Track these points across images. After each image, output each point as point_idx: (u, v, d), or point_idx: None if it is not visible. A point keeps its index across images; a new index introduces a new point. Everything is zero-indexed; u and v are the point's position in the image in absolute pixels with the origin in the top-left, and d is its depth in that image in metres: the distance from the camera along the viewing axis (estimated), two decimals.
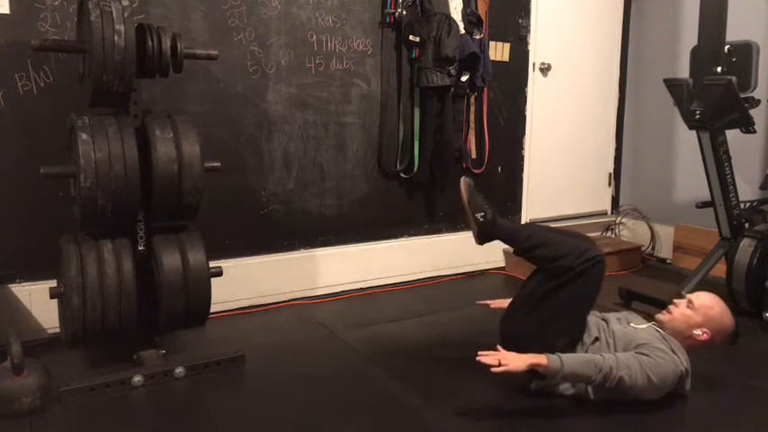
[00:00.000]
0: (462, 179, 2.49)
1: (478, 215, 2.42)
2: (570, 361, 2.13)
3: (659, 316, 2.41)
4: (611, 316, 2.47)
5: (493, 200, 4.15)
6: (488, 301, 2.72)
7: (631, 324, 2.38)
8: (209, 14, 3.08)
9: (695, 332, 2.32)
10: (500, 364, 2.11)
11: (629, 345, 2.25)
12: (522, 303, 2.40)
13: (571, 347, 2.28)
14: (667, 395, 2.25)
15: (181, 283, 2.42)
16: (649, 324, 2.39)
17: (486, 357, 2.14)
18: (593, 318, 2.41)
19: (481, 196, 2.46)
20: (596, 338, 2.31)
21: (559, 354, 2.15)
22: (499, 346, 2.21)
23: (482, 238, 2.46)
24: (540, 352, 2.15)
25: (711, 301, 2.37)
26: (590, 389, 2.26)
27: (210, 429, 2.15)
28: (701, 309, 2.34)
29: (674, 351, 2.24)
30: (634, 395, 2.19)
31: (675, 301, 2.41)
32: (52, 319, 2.67)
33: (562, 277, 2.27)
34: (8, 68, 2.67)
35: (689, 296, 2.39)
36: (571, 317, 2.32)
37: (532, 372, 2.17)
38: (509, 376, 2.27)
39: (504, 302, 2.59)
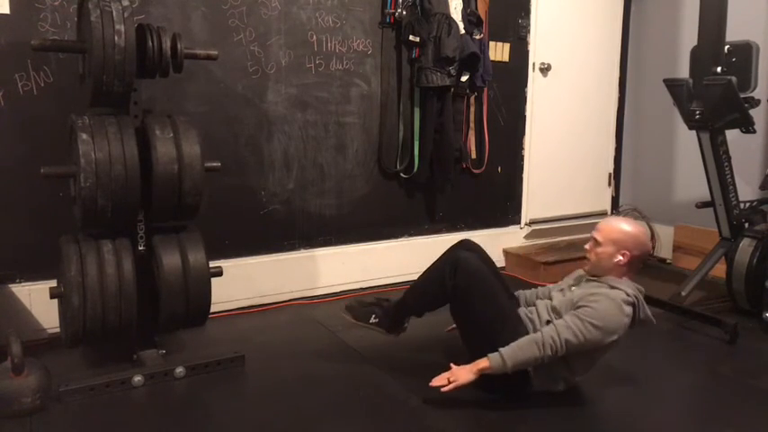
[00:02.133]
0: (343, 311, 2.61)
1: (372, 322, 2.54)
2: (510, 351, 2.14)
3: (581, 270, 2.43)
4: (554, 289, 2.49)
5: (493, 200, 4.19)
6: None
7: (573, 288, 2.40)
8: (209, 14, 3.08)
9: (616, 260, 2.29)
10: (450, 382, 2.15)
11: (569, 309, 2.26)
12: (463, 338, 2.44)
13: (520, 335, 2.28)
14: (664, 394, 2.25)
15: (181, 283, 2.42)
16: (581, 275, 2.42)
17: (436, 381, 2.18)
18: (523, 309, 2.41)
19: (360, 302, 2.60)
20: (534, 327, 2.31)
21: (499, 349, 2.15)
22: (452, 364, 2.23)
23: (394, 331, 2.55)
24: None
25: (609, 225, 2.35)
26: (569, 372, 2.27)
27: (210, 429, 2.15)
28: (606, 239, 2.31)
29: (612, 287, 2.23)
30: (593, 348, 2.19)
31: (585, 246, 2.40)
32: (52, 319, 2.67)
33: (453, 300, 2.34)
34: (8, 68, 2.68)
35: (592, 234, 2.37)
36: (492, 318, 2.30)
37: (485, 376, 2.17)
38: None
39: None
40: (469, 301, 2.31)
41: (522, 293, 2.60)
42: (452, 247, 2.57)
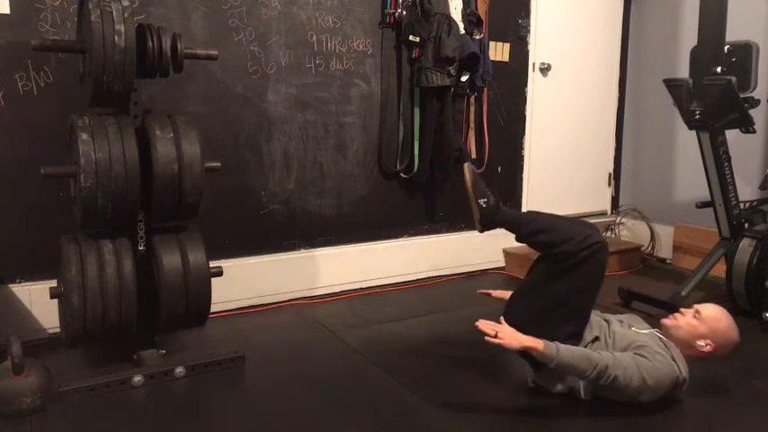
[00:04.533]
0: (466, 165, 2.48)
1: (481, 201, 2.43)
2: (566, 352, 2.13)
3: (665, 321, 2.39)
4: (614, 318, 2.45)
5: None
6: (490, 291, 2.72)
7: (633, 328, 2.37)
8: (209, 14, 3.08)
9: (698, 343, 2.29)
10: (496, 336, 2.13)
11: (628, 346, 2.24)
12: (525, 292, 2.40)
13: (571, 340, 2.27)
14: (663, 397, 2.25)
15: (181, 283, 2.42)
16: (652, 330, 2.37)
17: (485, 326, 2.15)
18: (595, 317, 2.39)
19: (484, 183, 2.47)
20: (596, 337, 2.31)
21: (557, 343, 2.15)
22: (502, 319, 2.21)
23: (484, 225, 2.47)
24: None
25: (719, 314, 2.34)
26: (581, 388, 2.27)
27: (210, 429, 2.15)
28: (708, 320, 2.31)
29: (673, 358, 2.22)
30: (628, 396, 2.18)
31: (682, 309, 2.38)
32: (52, 319, 2.67)
33: (564, 263, 2.24)
34: (8, 68, 2.68)
35: (696, 306, 2.36)
36: (573, 305, 2.29)
37: (525, 355, 2.16)
38: (511, 375, 2.27)
39: (506, 293, 2.59)
40: (576, 277, 2.25)
41: None
42: (596, 228, 2.44)
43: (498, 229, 2.48)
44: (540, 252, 2.40)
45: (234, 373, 2.54)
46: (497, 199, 2.46)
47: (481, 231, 2.50)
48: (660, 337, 2.32)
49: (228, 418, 2.20)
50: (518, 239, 2.45)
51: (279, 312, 3.32)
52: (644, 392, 2.17)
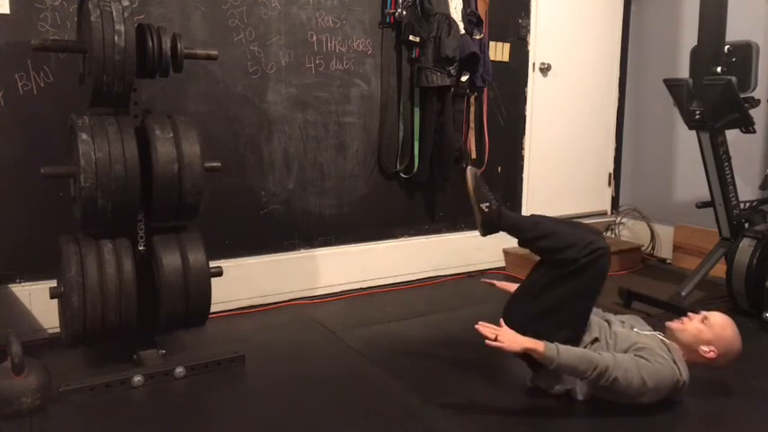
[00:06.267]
0: (469, 169, 2.47)
1: (483, 205, 2.41)
2: (567, 353, 2.13)
3: (671, 324, 2.38)
4: (615, 318, 2.45)
5: None
6: (495, 281, 2.72)
7: (635, 329, 2.37)
8: (209, 14, 3.08)
9: (702, 348, 2.29)
10: (496, 339, 2.13)
11: (629, 348, 2.24)
12: (525, 292, 2.40)
13: (570, 343, 2.26)
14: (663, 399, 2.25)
15: (181, 283, 2.42)
16: (654, 332, 2.37)
17: (485, 329, 2.15)
18: (595, 318, 2.39)
19: (486, 187, 2.45)
20: (596, 339, 2.30)
21: (557, 344, 2.15)
22: (502, 321, 2.22)
23: (486, 229, 2.46)
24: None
25: (725, 322, 2.34)
26: (578, 389, 2.27)
27: (210, 429, 2.15)
28: (715, 327, 2.31)
29: (674, 361, 2.22)
30: (627, 397, 2.18)
31: (690, 314, 2.38)
32: (52, 319, 2.67)
33: (566, 269, 2.24)
34: (8, 68, 2.68)
35: (705, 313, 2.37)
36: (572, 310, 2.30)
37: (525, 357, 2.16)
38: (511, 375, 2.26)
39: (510, 286, 2.58)
40: (575, 281, 2.25)
41: None
42: (599, 232, 2.46)
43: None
44: (541, 257, 2.40)
45: (234, 373, 2.54)
46: (500, 203, 2.45)
47: (483, 235, 2.49)
48: (662, 340, 2.32)
49: (228, 418, 2.20)
50: (520, 244, 2.45)
51: (279, 312, 3.32)
52: (644, 394, 2.16)
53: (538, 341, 2.14)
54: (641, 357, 2.17)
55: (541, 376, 2.32)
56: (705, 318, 2.34)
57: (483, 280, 2.74)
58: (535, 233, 2.36)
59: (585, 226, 2.51)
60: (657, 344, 2.27)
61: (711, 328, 2.31)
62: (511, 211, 2.52)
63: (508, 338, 2.14)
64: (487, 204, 2.41)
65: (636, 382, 2.12)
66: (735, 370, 2.62)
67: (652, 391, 2.16)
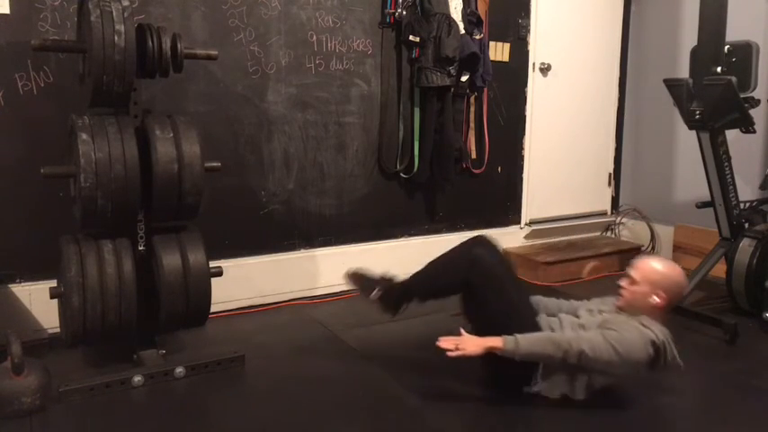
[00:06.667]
0: (345, 274, 2.58)
1: (373, 296, 2.49)
2: (526, 341, 2.14)
3: (616, 304, 2.39)
4: (583, 307, 2.45)
5: (493, 200, 4.19)
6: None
7: (604, 313, 2.37)
8: (209, 14, 3.08)
9: (651, 301, 2.28)
10: (457, 349, 2.15)
11: (597, 327, 2.24)
12: (471, 326, 2.41)
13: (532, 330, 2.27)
14: (664, 394, 2.25)
15: (181, 283, 2.42)
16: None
17: (445, 342, 2.18)
18: (567, 316, 2.38)
19: (365, 274, 2.55)
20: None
21: (516, 334, 2.15)
22: (462, 329, 2.24)
23: (391, 310, 2.51)
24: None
25: (647, 265, 2.33)
26: (576, 390, 2.26)
27: (210, 429, 2.15)
28: (644, 279, 2.30)
29: (645, 325, 2.21)
30: (603, 370, 2.18)
31: (619, 282, 2.37)
32: (52, 319, 2.66)
33: (467, 292, 2.34)
34: (8, 68, 2.68)
35: (629, 271, 2.35)
36: (508, 315, 2.30)
37: (491, 355, 2.17)
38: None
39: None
40: (483, 296, 2.30)
41: (540, 300, 2.54)
42: (469, 241, 2.50)
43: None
44: (447, 297, 2.44)
45: (234, 373, 2.54)
46: (386, 279, 2.52)
47: (393, 316, 2.53)
48: (622, 313, 2.33)
49: (228, 417, 2.20)
50: (421, 301, 2.50)
51: (279, 312, 3.32)
52: (617, 363, 2.14)
53: (496, 338, 2.16)
54: (608, 329, 2.18)
55: (541, 386, 2.31)
56: (631, 278, 2.33)
57: (453, 314, 2.69)
58: (423, 284, 2.47)
59: (461, 244, 2.52)
60: (624, 318, 2.27)
61: (643, 281, 2.30)
62: (395, 281, 2.55)
63: (469, 344, 2.17)
64: (377, 290, 2.49)
65: (606, 353, 2.12)
66: (735, 369, 2.63)
67: (624, 356, 2.13)
